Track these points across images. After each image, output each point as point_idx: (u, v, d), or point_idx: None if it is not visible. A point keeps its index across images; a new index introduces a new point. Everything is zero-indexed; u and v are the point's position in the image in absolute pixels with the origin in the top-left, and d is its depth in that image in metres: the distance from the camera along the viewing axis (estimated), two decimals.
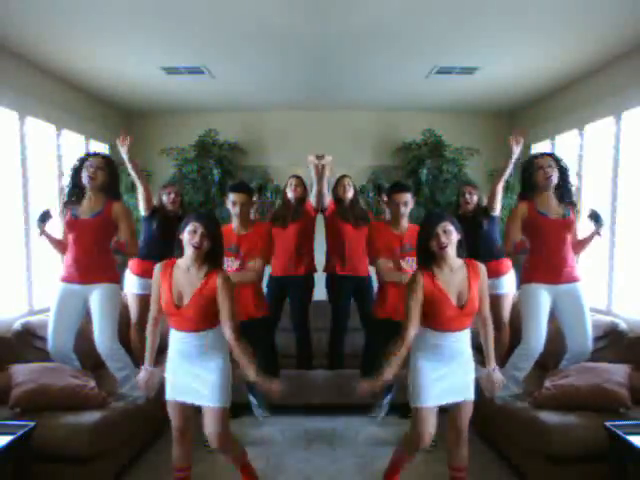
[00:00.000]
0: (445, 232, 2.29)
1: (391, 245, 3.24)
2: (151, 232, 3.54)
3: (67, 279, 3.07)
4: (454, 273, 2.32)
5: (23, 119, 3.80)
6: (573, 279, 3.06)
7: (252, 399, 3.43)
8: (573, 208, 3.10)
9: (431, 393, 2.32)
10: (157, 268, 2.38)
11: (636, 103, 3.65)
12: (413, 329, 2.28)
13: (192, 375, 2.34)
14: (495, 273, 3.41)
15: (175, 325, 2.36)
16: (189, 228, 2.31)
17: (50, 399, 2.78)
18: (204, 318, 2.32)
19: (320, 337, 4.10)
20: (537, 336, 3.06)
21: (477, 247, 3.24)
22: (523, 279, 3.14)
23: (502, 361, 3.52)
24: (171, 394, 2.39)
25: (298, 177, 3.81)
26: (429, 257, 2.34)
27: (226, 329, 2.29)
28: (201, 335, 2.33)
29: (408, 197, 3.23)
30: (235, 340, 2.27)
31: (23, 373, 2.86)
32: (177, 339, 2.37)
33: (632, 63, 3.68)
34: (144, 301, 3.22)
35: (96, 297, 3.05)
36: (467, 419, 2.41)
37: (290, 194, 3.72)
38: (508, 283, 3.56)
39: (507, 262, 3.56)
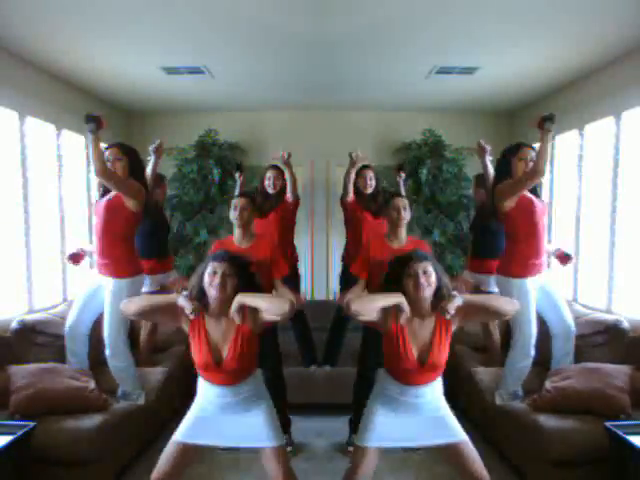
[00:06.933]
0: (425, 273, 2.09)
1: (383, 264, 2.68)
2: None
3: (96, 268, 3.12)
4: (423, 323, 2.12)
5: (23, 119, 3.79)
6: (545, 266, 3.09)
7: None
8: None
9: (375, 434, 2.12)
10: (185, 320, 2.12)
11: (636, 103, 3.65)
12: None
13: (233, 421, 2.13)
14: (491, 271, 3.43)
15: (213, 381, 2.14)
16: (209, 270, 2.11)
17: (50, 403, 2.76)
18: (248, 365, 2.15)
19: (320, 337, 4.09)
20: (530, 332, 3.03)
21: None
22: (513, 272, 2.99)
23: (497, 360, 3.55)
24: (192, 437, 2.12)
25: (276, 168, 3.79)
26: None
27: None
28: (242, 385, 2.15)
29: (406, 202, 3.02)
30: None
31: (21, 376, 2.82)
32: (214, 394, 2.14)
33: (632, 63, 3.67)
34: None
35: (106, 291, 3.04)
36: (472, 461, 2.11)
37: (270, 190, 3.74)
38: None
39: None
